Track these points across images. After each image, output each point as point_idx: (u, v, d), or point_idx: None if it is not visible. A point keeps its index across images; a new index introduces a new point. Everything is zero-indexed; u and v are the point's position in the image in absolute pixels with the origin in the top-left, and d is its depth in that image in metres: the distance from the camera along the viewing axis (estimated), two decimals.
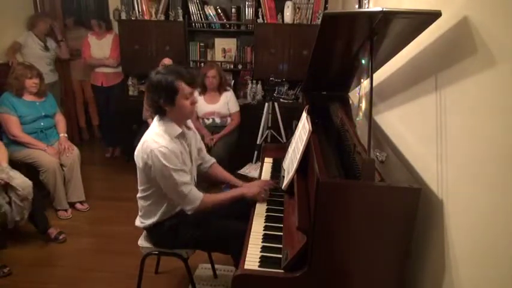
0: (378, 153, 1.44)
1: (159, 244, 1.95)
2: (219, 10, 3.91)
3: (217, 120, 3.65)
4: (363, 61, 1.64)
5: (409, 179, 1.33)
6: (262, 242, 1.61)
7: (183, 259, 1.96)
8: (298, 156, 1.74)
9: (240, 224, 1.82)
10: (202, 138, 3.03)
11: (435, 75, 1.36)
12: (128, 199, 2.81)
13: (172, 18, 3.88)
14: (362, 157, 1.38)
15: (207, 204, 1.85)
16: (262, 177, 2.20)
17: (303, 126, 1.80)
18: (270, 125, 3.72)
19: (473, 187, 1.09)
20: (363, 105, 2.09)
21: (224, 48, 4.06)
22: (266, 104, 3.67)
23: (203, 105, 3.58)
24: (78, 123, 4.82)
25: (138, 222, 1.96)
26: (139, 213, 1.95)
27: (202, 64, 4.03)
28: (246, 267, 1.44)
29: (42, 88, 3.16)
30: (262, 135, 3.72)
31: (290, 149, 1.98)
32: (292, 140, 1.99)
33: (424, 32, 1.32)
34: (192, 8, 3.92)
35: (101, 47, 4.01)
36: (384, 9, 1.15)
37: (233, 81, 4.09)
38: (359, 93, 2.21)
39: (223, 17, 3.94)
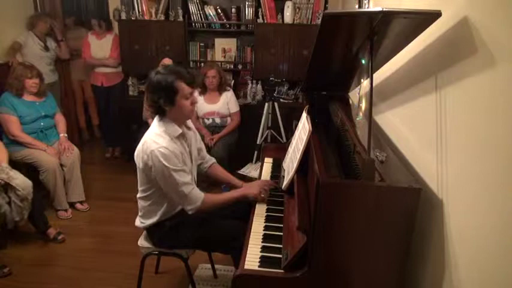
0: (378, 153, 1.44)
1: (159, 244, 1.95)
2: (219, 10, 3.91)
3: (217, 120, 3.65)
4: (363, 61, 1.64)
5: (409, 179, 1.33)
6: (262, 242, 1.61)
7: (183, 259, 1.96)
8: (298, 156, 1.74)
9: (240, 224, 1.82)
10: (202, 138, 3.03)
11: (435, 75, 1.36)
12: (128, 199, 2.82)
13: (172, 18, 3.88)
14: (362, 157, 1.38)
15: (208, 204, 1.85)
16: (262, 177, 2.20)
17: (303, 126, 1.80)
18: (270, 125, 3.72)
19: (474, 187, 1.09)
20: (363, 105, 2.09)
21: (224, 48, 4.06)
22: (266, 104, 3.67)
23: (203, 105, 3.58)
24: (78, 123, 4.82)
25: (138, 222, 1.96)
26: (140, 214, 1.95)
27: (202, 64, 4.02)
28: (246, 267, 1.44)
29: (42, 88, 3.17)
30: (262, 135, 3.72)
31: (290, 149, 1.98)
32: (292, 140, 1.99)
33: (424, 32, 1.32)
34: (192, 8, 3.92)
35: (101, 46, 4.01)
36: (384, 9, 1.15)
37: (233, 81, 4.09)
38: (359, 93, 2.22)
39: (223, 17, 3.93)
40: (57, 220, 3.08)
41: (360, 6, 2.63)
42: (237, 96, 3.91)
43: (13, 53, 3.67)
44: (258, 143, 3.72)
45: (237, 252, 1.57)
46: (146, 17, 3.91)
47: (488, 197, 1.03)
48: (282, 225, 1.69)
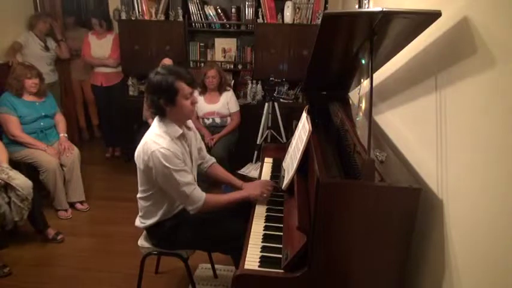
0: (377, 153, 1.44)
1: (159, 244, 1.95)
2: (219, 10, 3.91)
3: (217, 120, 3.65)
4: (363, 61, 1.64)
5: (409, 179, 1.33)
6: (262, 242, 1.61)
7: (183, 259, 1.96)
8: (298, 156, 1.74)
9: (240, 224, 1.82)
10: (202, 138, 3.03)
11: (435, 75, 1.36)
12: (128, 199, 2.82)
13: (172, 18, 3.88)
14: (362, 157, 1.38)
15: (210, 204, 1.84)
16: (262, 177, 2.20)
17: (303, 126, 1.80)
18: (270, 125, 3.72)
19: (474, 187, 1.09)
20: (363, 105, 2.09)
21: (224, 48, 4.06)
22: (266, 104, 3.67)
23: (203, 105, 3.58)
24: (78, 123, 4.82)
25: (138, 222, 1.95)
26: (140, 214, 1.95)
27: (202, 64, 4.03)
28: (246, 267, 1.44)
29: (42, 88, 3.17)
30: (262, 135, 3.72)
31: (290, 149, 1.98)
32: (292, 140, 1.99)
33: (424, 32, 1.32)
34: (192, 8, 3.92)
35: (101, 46, 4.00)
36: (384, 9, 1.15)
37: (233, 81, 4.09)
38: (359, 93, 2.21)
39: (223, 17, 3.93)
40: (57, 220, 3.08)
41: (360, 6, 2.63)
42: (237, 96, 3.91)
43: (13, 53, 3.66)
44: (258, 143, 3.72)
45: (237, 252, 1.57)
46: (146, 17, 3.91)
47: (488, 197, 1.03)
48: (282, 225, 1.69)
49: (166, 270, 2.48)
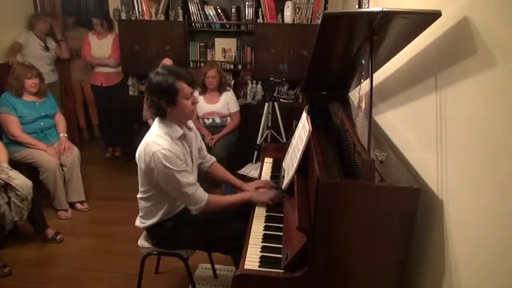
0: (377, 153, 1.44)
1: (160, 244, 1.95)
2: (219, 10, 3.91)
3: (217, 120, 3.65)
4: (363, 61, 1.64)
5: (409, 179, 1.33)
6: (262, 242, 1.61)
7: (183, 259, 1.96)
8: (298, 156, 1.74)
9: (240, 224, 1.82)
10: (203, 137, 3.03)
11: (435, 75, 1.36)
12: (128, 199, 2.82)
13: (172, 18, 3.88)
14: (362, 157, 1.38)
15: (212, 205, 1.84)
16: (262, 177, 2.20)
17: (303, 126, 1.80)
18: (270, 125, 3.72)
19: (474, 187, 1.09)
20: (363, 105, 2.08)
21: (224, 48, 4.06)
22: (266, 104, 3.67)
23: (203, 105, 3.58)
24: (78, 123, 4.82)
25: (139, 222, 1.95)
26: (140, 214, 1.95)
27: (202, 64, 4.03)
28: (246, 267, 1.44)
29: (42, 88, 3.17)
30: (262, 135, 3.72)
31: (290, 149, 1.98)
32: (292, 140, 1.99)
33: (424, 32, 1.32)
34: (192, 8, 3.92)
35: (101, 46, 4.00)
36: (384, 9, 1.15)
37: (233, 81, 4.09)
38: (359, 93, 2.21)
39: (223, 17, 3.94)
40: (57, 220, 3.08)
41: (360, 6, 2.63)
42: (237, 96, 3.91)
43: (13, 53, 3.66)
44: (258, 143, 3.72)
45: (237, 252, 1.57)
46: (146, 17, 3.91)
47: (488, 197, 1.03)
48: (282, 225, 1.69)
49: (166, 270, 2.48)
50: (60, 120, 3.32)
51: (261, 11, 3.78)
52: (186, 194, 1.78)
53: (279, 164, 2.13)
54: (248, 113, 3.81)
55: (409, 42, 1.43)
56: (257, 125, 3.71)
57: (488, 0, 1.08)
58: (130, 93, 4.16)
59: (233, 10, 3.92)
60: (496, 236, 0.99)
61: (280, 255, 1.49)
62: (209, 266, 2.45)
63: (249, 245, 1.58)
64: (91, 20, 4.03)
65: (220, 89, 3.60)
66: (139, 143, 1.82)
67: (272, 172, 2.27)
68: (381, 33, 1.34)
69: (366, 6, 2.50)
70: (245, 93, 4.10)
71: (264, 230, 1.69)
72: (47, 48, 3.91)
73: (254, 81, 4.02)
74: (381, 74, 1.89)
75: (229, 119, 3.67)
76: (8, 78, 3.09)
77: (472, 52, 1.12)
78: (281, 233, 1.63)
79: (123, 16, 3.91)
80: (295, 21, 3.76)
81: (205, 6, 3.91)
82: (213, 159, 2.19)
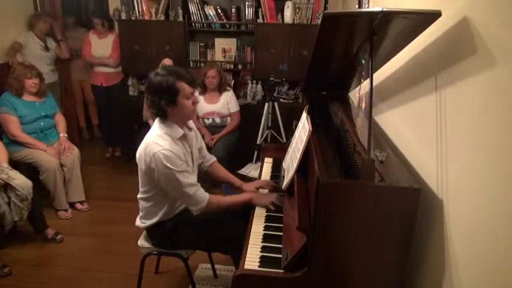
0: (377, 153, 1.44)
1: (160, 244, 1.95)
2: (219, 10, 3.91)
3: (217, 120, 3.65)
4: (363, 61, 1.64)
5: (409, 179, 1.33)
6: (262, 242, 1.61)
7: (183, 259, 1.96)
8: (298, 156, 1.74)
9: (240, 224, 1.82)
10: (202, 137, 3.03)
11: (435, 75, 1.36)
12: (128, 199, 2.82)
13: (172, 18, 3.88)
14: (362, 157, 1.38)
15: (213, 205, 1.84)
16: (262, 177, 2.20)
17: (303, 126, 1.80)
18: (270, 125, 3.72)
19: (474, 187, 1.09)
20: (363, 105, 2.08)
21: (224, 48, 4.06)
22: (266, 104, 3.67)
23: (203, 105, 3.58)
24: (78, 123, 4.82)
25: (139, 222, 1.96)
26: (140, 214, 1.95)
27: (202, 64, 4.03)
28: (246, 267, 1.44)
29: (42, 88, 3.16)
30: (262, 135, 3.72)
31: (290, 149, 1.98)
32: (292, 140, 1.99)
33: (424, 32, 1.32)
34: (192, 8, 3.92)
35: (101, 46, 4.00)
36: (384, 9, 1.15)
37: (233, 81, 4.09)
38: (359, 93, 2.21)
39: (223, 17, 3.93)
40: (57, 220, 3.08)
41: (360, 6, 2.63)
42: (237, 96, 3.91)
43: (13, 53, 3.66)
44: (258, 143, 3.72)
45: (237, 252, 1.57)
46: (146, 17, 3.91)
47: (488, 197, 1.03)
48: (282, 225, 1.69)
49: (166, 270, 2.48)
50: (60, 120, 3.32)
51: (261, 11, 3.78)
52: (187, 194, 1.78)
53: (279, 164, 2.13)
54: (248, 113, 3.81)
55: (409, 42, 1.43)
56: (257, 125, 3.71)
57: (488, 0, 1.08)
58: (130, 93, 4.16)
59: (233, 10, 3.92)
60: (496, 236, 0.99)
61: (280, 255, 1.49)
62: (209, 266, 2.45)
63: (249, 245, 1.58)
64: (91, 20, 4.03)
65: (220, 89, 3.60)
66: (139, 143, 1.82)
67: (272, 172, 2.27)
68: (381, 33, 1.34)
69: (366, 6, 2.50)
70: (245, 93, 4.10)
71: (264, 230, 1.69)
72: (47, 48, 3.91)
73: (254, 81, 4.02)
74: (381, 74, 1.89)
75: (229, 119, 3.67)
76: (8, 78, 3.09)
77: (472, 52, 1.12)
78: (281, 233, 1.63)
79: (123, 16, 3.91)
80: (295, 21, 3.76)
81: (205, 6, 3.91)
82: (213, 158, 2.19)
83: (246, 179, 3.36)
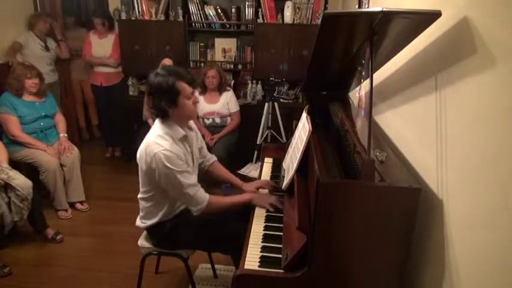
0: (377, 153, 1.44)
1: (160, 244, 1.95)
2: (219, 10, 3.91)
3: (217, 120, 3.65)
4: (363, 61, 1.64)
5: (409, 179, 1.33)
6: (262, 242, 1.61)
7: (183, 259, 1.96)
8: (298, 156, 1.74)
9: (240, 224, 1.82)
10: (202, 137, 3.03)
11: (435, 75, 1.36)
12: (128, 199, 2.82)
13: (172, 18, 3.88)
14: (362, 157, 1.38)
15: (214, 206, 1.84)
16: (262, 177, 2.20)
17: (303, 126, 1.80)
18: (270, 125, 3.72)
19: (474, 187, 1.09)
20: (363, 105, 2.08)
21: (224, 48, 4.06)
22: (266, 104, 3.67)
23: (203, 105, 3.58)
24: (78, 123, 4.82)
25: (139, 222, 1.96)
26: (141, 214, 1.95)
27: (202, 64, 4.03)
28: (246, 267, 1.44)
29: (42, 88, 3.16)
30: (262, 135, 3.73)
31: (290, 149, 1.98)
32: (292, 140, 1.99)
33: (424, 32, 1.32)
34: (192, 8, 3.92)
35: (102, 46, 4.00)
36: (384, 9, 1.15)
37: (233, 81, 4.09)
38: (359, 93, 2.21)
39: (223, 17, 3.94)
40: (57, 220, 3.08)
41: (360, 6, 2.63)
42: (237, 96, 3.91)
43: (13, 53, 3.66)
44: (258, 143, 3.72)
45: (237, 252, 1.57)
46: (146, 17, 3.91)
47: (488, 197, 1.03)
48: (282, 225, 1.69)
49: (166, 270, 2.48)
50: (60, 120, 3.32)
51: (261, 11, 3.78)
52: (187, 194, 1.78)
53: (279, 164, 2.13)
54: (248, 113, 3.81)
55: (409, 42, 1.43)
56: (257, 125, 3.71)
57: (488, 0, 1.08)
58: (130, 93, 4.16)
59: (233, 10, 3.92)
60: (496, 236, 0.99)
61: (280, 255, 1.49)
62: (209, 266, 2.45)
63: (249, 245, 1.58)
64: (91, 20, 4.03)
65: (220, 89, 3.60)
66: (139, 143, 1.82)
67: (272, 172, 2.27)
68: (381, 33, 1.34)
69: (366, 6, 2.50)
70: (245, 93, 4.10)
71: (264, 230, 1.69)
72: (47, 48, 3.91)
73: (254, 81, 4.02)
74: (381, 74, 1.89)
75: (229, 119, 3.67)
76: (8, 78, 3.09)
77: (472, 52, 1.12)
78: (281, 233, 1.63)
79: (123, 16, 3.91)
80: (295, 21, 3.76)
81: (205, 6, 3.91)
82: (214, 158, 2.19)
83: (246, 179, 3.36)
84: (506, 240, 0.94)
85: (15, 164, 2.85)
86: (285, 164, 2.00)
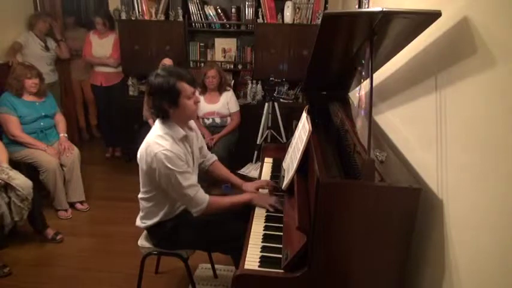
0: (377, 153, 1.44)
1: (160, 244, 1.95)
2: (219, 10, 3.91)
3: (217, 120, 3.65)
4: (363, 61, 1.64)
5: (409, 179, 1.33)
6: (262, 242, 1.61)
7: (183, 259, 1.96)
8: (298, 156, 1.74)
9: (240, 224, 1.82)
10: (202, 137, 3.04)
11: (435, 75, 1.36)
12: (128, 199, 2.82)
13: (172, 18, 3.88)
14: (362, 157, 1.38)
15: (213, 206, 1.84)
16: (262, 177, 2.20)
17: (303, 126, 1.80)
18: (270, 125, 3.72)
19: (474, 187, 1.09)
20: (363, 105, 2.08)
21: (224, 48, 4.07)
22: (266, 104, 3.67)
23: (203, 105, 3.58)
24: (78, 123, 4.82)
25: (139, 222, 1.95)
26: (141, 214, 1.95)
27: (202, 64, 4.03)
28: (246, 267, 1.44)
29: (42, 88, 3.16)
30: (262, 135, 3.73)
31: (290, 149, 1.98)
32: (292, 140, 1.99)
33: (424, 32, 1.32)
34: (192, 8, 3.92)
35: (102, 46, 4.00)
36: (384, 9, 1.15)
37: (233, 81, 4.09)
38: (359, 93, 2.21)
39: (223, 17, 3.94)
40: (57, 220, 3.08)
41: (360, 6, 2.63)
42: (237, 96, 3.91)
43: (13, 53, 3.66)
44: (258, 143, 3.72)
45: (237, 252, 1.57)
46: (146, 17, 3.92)
47: (488, 197, 1.03)
48: (282, 225, 1.69)
49: (166, 270, 2.48)
50: (60, 120, 3.32)
51: (261, 11, 3.78)
52: (187, 195, 1.78)
53: (279, 164, 2.13)
54: (248, 113, 3.81)
55: (409, 42, 1.43)
56: (257, 125, 3.71)
57: (488, 0, 1.08)
58: (130, 93, 4.16)
59: (233, 10, 3.92)
60: (496, 236, 0.99)
61: (280, 255, 1.49)
62: (209, 266, 2.45)
63: (249, 245, 1.58)
64: (91, 20, 4.03)
65: (220, 89, 3.60)
66: (139, 143, 1.81)
67: (272, 172, 2.27)
68: (381, 33, 1.34)
69: (366, 6, 2.50)
70: (245, 93, 4.10)
71: (264, 230, 1.69)
72: (47, 48, 3.91)
73: (254, 81, 4.02)
74: (381, 74, 1.89)
75: (229, 119, 3.67)
76: (8, 78, 3.09)
77: (472, 52, 1.12)
78: (281, 233, 1.63)
79: (123, 16, 3.91)
80: (295, 21, 3.76)
81: (205, 6, 3.91)
82: (214, 157, 2.19)
83: (246, 179, 3.36)
84: (506, 240, 0.94)
85: (15, 164, 2.85)
86: (285, 164, 2.00)
